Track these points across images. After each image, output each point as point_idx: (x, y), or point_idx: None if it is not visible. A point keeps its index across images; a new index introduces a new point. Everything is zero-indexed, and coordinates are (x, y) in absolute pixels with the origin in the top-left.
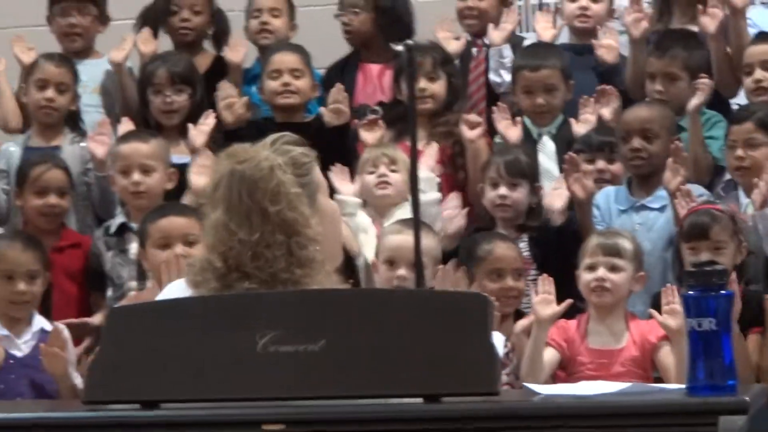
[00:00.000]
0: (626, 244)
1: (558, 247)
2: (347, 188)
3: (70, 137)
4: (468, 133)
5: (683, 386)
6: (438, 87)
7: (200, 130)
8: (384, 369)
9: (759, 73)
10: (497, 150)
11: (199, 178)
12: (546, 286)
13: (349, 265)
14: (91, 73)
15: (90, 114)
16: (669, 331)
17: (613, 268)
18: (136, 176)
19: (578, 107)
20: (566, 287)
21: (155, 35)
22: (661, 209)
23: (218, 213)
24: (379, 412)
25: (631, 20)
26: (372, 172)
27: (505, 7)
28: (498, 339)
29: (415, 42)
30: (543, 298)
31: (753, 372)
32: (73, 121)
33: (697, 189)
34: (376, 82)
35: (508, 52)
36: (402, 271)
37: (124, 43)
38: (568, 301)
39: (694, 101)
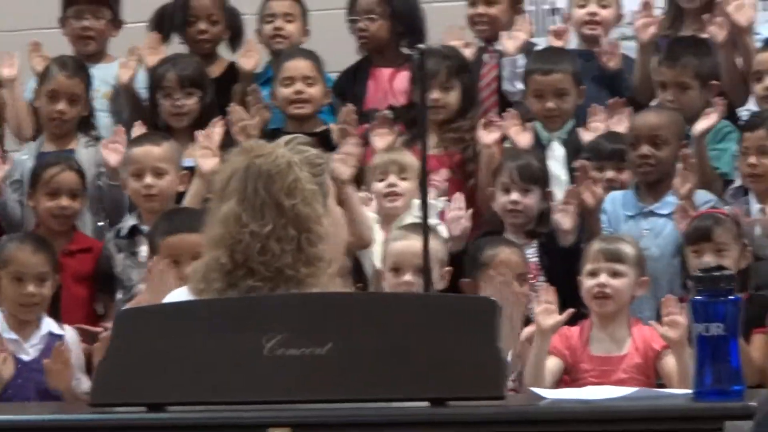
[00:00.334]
0: (628, 250)
1: (565, 261)
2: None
3: (84, 141)
4: (485, 138)
5: (690, 391)
6: (452, 97)
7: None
8: (390, 372)
9: None
10: (509, 155)
11: None
12: (548, 295)
13: (357, 269)
14: (104, 77)
15: (101, 118)
16: (670, 342)
17: (615, 274)
18: (149, 179)
19: (587, 114)
20: (572, 296)
21: (166, 40)
22: (670, 215)
23: (230, 204)
24: (385, 416)
25: (640, 25)
26: (381, 179)
27: (516, 12)
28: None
29: (428, 46)
30: (545, 308)
31: (757, 374)
32: (86, 125)
33: (705, 195)
34: (386, 86)
35: (522, 61)
36: (408, 277)
37: (129, 62)
38: (570, 311)
39: (703, 125)
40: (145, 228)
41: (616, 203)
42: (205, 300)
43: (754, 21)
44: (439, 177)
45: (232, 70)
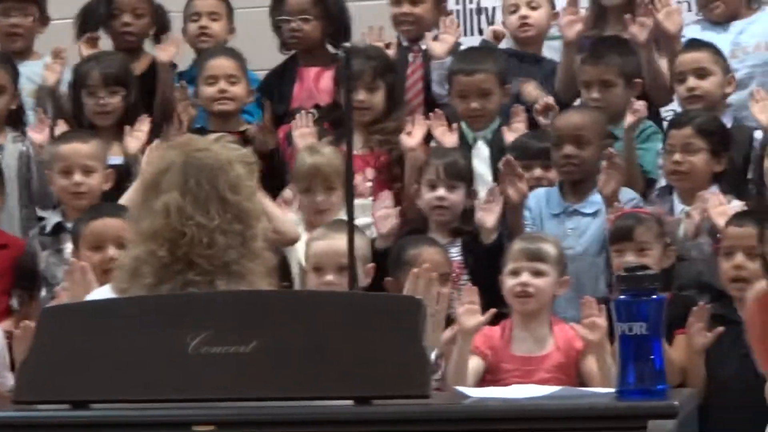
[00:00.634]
0: (549, 249)
1: (488, 259)
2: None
3: (12, 136)
4: (408, 142)
5: (613, 390)
6: (377, 98)
7: (135, 137)
8: (315, 371)
9: (692, 81)
10: (435, 152)
11: None
12: (470, 296)
13: (283, 268)
14: (29, 74)
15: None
16: (589, 344)
17: (537, 273)
18: (78, 177)
19: (510, 114)
20: (496, 295)
21: (95, 36)
22: (594, 215)
23: (171, 196)
24: (309, 414)
25: (565, 22)
26: (308, 190)
27: (441, 12)
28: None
29: (354, 45)
30: (467, 309)
31: (679, 374)
32: (15, 120)
33: (628, 193)
34: (312, 86)
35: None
36: (330, 277)
37: (54, 64)
38: (492, 311)
39: (628, 120)
40: (70, 225)
41: (540, 201)
42: (130, 297)
43: (683, 27)
44: (366, 176)
45: (152, 69)
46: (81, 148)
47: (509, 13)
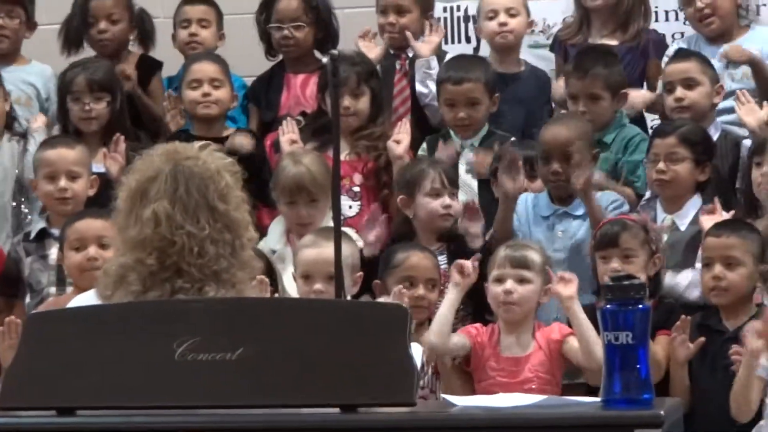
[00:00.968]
0: (534, 256)
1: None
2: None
3: (7, 136)
4: (396, 150)
5: (598, 399)
6: (362, 104)
7: (114, 158)
8: (301, 378)
9: (680, 92)
10: (430, 161)
11: None
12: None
13: (270, 275)
14: (14, 80)
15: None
16: (561, 299)
17: (521, 281)
18: (63, 182)
19: None
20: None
21: (80, 46)
22: (584, 217)
23: (160, 205)
24: (294, 422)
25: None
26: (292, 203)
27: (426, 20)
28: (416, 350)
29: (341, 52)
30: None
31: (661, 374)
32: (8, 121)
33: (610, 195)
34: (299, 92)
35: (434, 63)
36: (318, 286)
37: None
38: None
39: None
40: (55, 231)
41: (528, 205)
42: (116, 304)
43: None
44: (354, 182)
45: (144, 64)
46: (67, 154)
47: (487, 19)
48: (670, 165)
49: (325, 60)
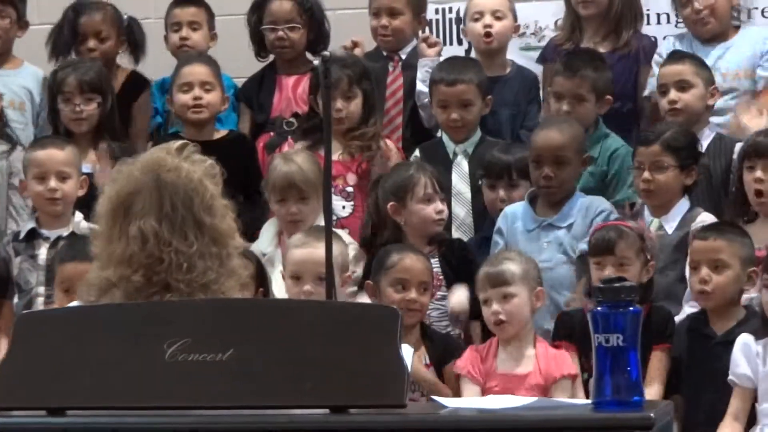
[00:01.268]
0: (512, 268)
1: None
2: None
3: None
4: (390, 156)
5: (589, 401)
6: (354, 106)
7: (103, 170)
8: (291, 379)
9: (674, 94)
10: (417, 166)
11: None
12: None
13: (260, 275)
14: (6, 83)
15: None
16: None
17: (505, 297)
18: (53, 183)
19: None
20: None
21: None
22: (569, 227)
23: (146, 223)
24: (285, 423)
25: None
26: (282, 200)
27: (419, 23)
28: (407, 351)
29: (332, 54)
30: None
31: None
32: None
33: (600, 202)
34: (290, 94)
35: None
36: (308, 287)
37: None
38: None
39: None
40: (44, 231)
41: (511, 221)
42: (107, 305)
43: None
44: (347, 182)
45: (132, 81)
46: (56, 155)
47: (473, 20)
48: (655, 174)
49: (316, 62)
